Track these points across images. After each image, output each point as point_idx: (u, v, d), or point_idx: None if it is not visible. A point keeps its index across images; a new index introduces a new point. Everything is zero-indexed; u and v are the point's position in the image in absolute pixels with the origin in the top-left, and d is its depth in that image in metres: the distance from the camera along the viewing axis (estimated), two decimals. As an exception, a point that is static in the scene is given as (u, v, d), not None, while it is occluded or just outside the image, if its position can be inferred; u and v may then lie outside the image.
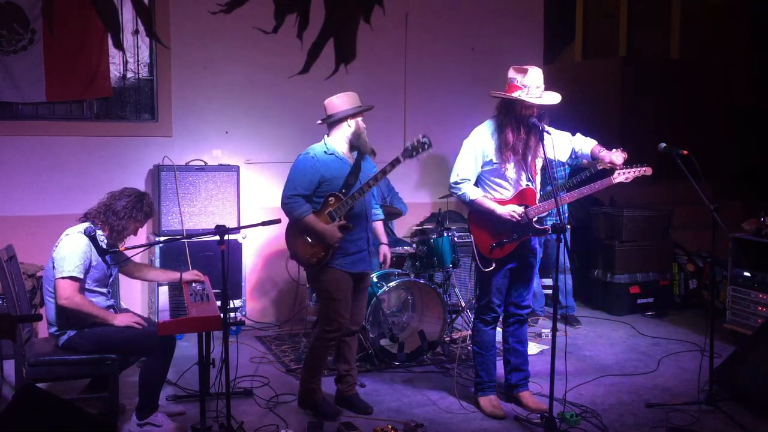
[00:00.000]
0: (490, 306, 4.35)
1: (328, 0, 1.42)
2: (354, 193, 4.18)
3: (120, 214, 3.97)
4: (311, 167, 4.19)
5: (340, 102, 4.32)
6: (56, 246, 3.91)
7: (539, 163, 4.26)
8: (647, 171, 4.19)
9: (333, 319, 4.23)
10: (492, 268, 4.24)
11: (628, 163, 4.20)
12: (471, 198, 4.19)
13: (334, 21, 1.41)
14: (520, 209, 4.13)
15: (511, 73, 4.14)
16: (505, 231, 4.18)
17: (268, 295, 6.41)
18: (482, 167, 4.22)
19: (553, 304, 3.99)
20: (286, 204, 4.16)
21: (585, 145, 4.31)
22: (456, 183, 4.22)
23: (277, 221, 4.02)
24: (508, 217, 4.12)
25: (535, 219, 4.20)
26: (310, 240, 4.18)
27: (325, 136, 4.35)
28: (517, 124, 4.10)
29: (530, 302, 4.51)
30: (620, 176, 4.16)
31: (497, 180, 4.22)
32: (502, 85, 4.21)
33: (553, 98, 4.11)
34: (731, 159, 8.88)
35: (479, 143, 4.19)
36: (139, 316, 4.11)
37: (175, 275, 4.34)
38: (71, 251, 3.83)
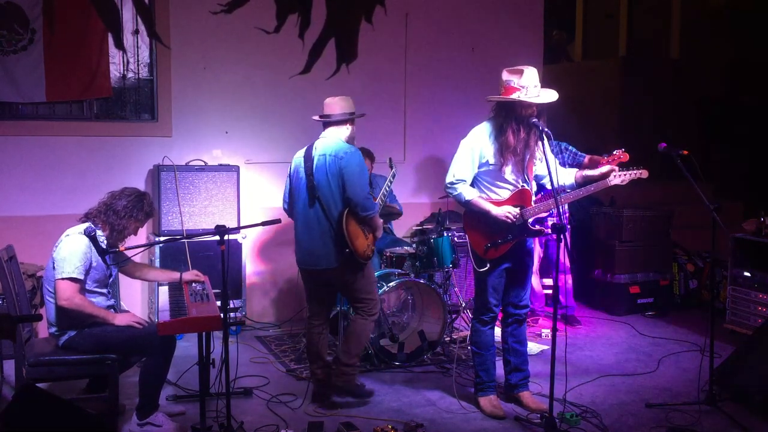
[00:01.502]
0: (487, 306, 4.35)
1: (330, 0, 1.42)
2: (380, 195, 4.79)
3: (120, 214, 3.96)
4: None
5: (347, 104, 4.43)
6: (56, 246, 3.90)
7: (537, 164, 4.27)
8: (643, 174, 4.19)
9: (377, 300, 4.53)
10: (486, 268, 4.25)
11: (625, 166, 4.21)
12: (467, 198, 4.19)
13: (335, 21, 1.41)
14: (516, 210, 4.14)
15: (506, 75, 4.13)
16: (500, 232, 4.18)
17: (268, 295, 6.41)
18: (479, 168, 4.22)
19: (553, 304, 4.00)
20: (369, 199, 4.31)
21: (567, 175, 4.30)
22: (452, 183, 4.22)
23: (278, 221, 4.04)
24: (504, 219, 4.12)
25: (531, 220, 4.21)
26: (366, 234, 4.38)
27: (338, 134, 4.39)
28: (518, 125, 4.10)
29: (528, 302, 4.50)
30: (616, 179, 4.17)
31: (494, 181, 4.22)
32: (499, 86, 4.20)
33: (551, 96, 4.12)
34: (731, 159, 8.88)
35: (477, 144, 4.19)
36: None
37: (175, 275, 4.34)
38: (71, 252, 3.83)
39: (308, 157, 4.36)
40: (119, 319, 3.96)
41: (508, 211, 4.13)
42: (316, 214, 4.32)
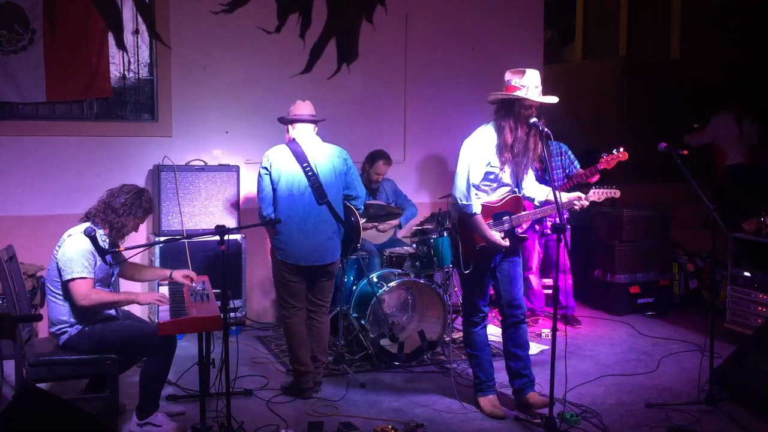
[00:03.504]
0: (476, 307, 4.35)
1: (331, 0, 1.42)
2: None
3: (119, 212, 3.96)
4: None
5: (312, 107, 4.77)
6: (59, 246, 3.90)
7: (530, 174, 4.27)
8: (616, 193, 4.39)
9: None
10: (470, 270, 4.24)
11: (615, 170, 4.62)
12: (474, 212, 4.15)
13: (336, 21, 1.41)
14: (506, 243, 4.15)
15: (508, 76, 4.14)
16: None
17: (268, 295, 6.40)
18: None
19: (553, 304, 4.00)
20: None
21: (540, 192, 4.31)
22: (467, 192, 4.13)
23: (277, 221, 4.07)
24: (495, 244, 4.14)
25: (526, 226, 4.25)
26: None
27: (314, 135, 4.65)
28: (516, 124, 4.09)
29: (522, 302, 4.43)
30: (593, 195, 4.32)
31: (491, 183, 4.22)
32: (501, 86, 4.20)
33: (551, 98, 4.12)
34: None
35: (486, 150, 4.15)
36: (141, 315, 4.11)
37: (165, 273, 4.33)
38: (77, 252, 3.82)
39: (303, 159, 4.47)
40: (143, 297, 4.06)
41: (501, 243, 4.14)
42: (324, 212, 4.51)
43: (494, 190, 4.23)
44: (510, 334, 4.39)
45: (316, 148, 4.56)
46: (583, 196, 4.24)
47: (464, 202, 4.16)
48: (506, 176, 4.20)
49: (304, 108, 4.63)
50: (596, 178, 5.33)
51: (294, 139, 4.59)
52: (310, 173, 4.44)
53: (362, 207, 4.83)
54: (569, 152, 5.94)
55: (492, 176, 4.20)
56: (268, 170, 4.48)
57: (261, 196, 4.52)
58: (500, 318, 4.49)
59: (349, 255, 4.93)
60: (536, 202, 4.32)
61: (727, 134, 8.25)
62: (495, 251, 4.22)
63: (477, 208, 4.16)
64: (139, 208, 4.03)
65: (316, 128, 4.67)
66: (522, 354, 4.40)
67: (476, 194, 4.18)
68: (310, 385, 4.58)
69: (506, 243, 4.16)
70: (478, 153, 4.16)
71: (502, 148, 4.12)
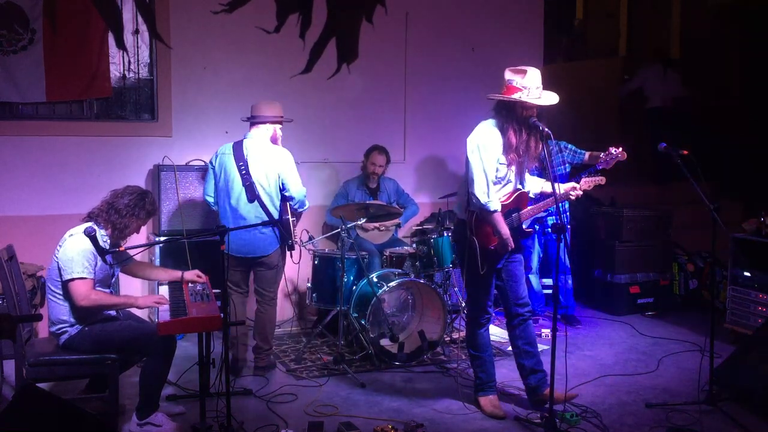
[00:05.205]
0: (483, 308, 4.35)
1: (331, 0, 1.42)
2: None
3: (122, 213, 3.96)
4: None
5: (272, 107, 5.01)
6: (60, 246, 3.90)
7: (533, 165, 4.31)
8: (601, 180, 4.49)
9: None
10: (485, 271, 4.23)
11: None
12: (494, 209, 4.13)
13: (336, 21, 1.41)
14: (510, 244, 4.14)
15: (509, 75, 4.12)
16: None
17: (268, 295, 6.40)
18: None
19: (553, 304, 3.99)
20: (305, 197, 5.09)
21: (535, 185, 4.39)
22: (488, 189, 4.10)
23: (277, 222, 4.07)
24: (505, 242, 4.12)
25: (529, 221, 4.24)
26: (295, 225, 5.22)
27: (264, 135, 4.90)
28: (519, 126, 4.09)
29: (528, 300, 4.45)
30: (584, 185, 4.42)
31: (498, 180, 4.21)
32: (501, 85, 4.20)
33: (552, 98, 4.11)
34: (731, 158, 8.88)
35: (495, 147, 4.13)
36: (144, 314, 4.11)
37: (176, 274, 4.34)
38: (78, 252, 3.82)
39: (240, 157, 4.79)
40: (141, 300, 4.06)
41: (510, 243, 4.13)
42: (254, 209, 4.77)
43: (502, 187, 4.22)
44: (520, 332, 4.39)
45: (258, 148, 4.81)
46: (577, 185, 4.33)
47: (486, 199, 4.11)
48: (512, 174, 4.21)
49: (252, 110, 4.92)
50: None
51: (242, 139, 4.90)
52: (243, 172, 4.77)
53: (301, 206, 4.98)
54: (569, 145, 5.94)
55: (500, 173, 4.18)
56: (212, 164, 4.95)
57: (205, 182, 5.10)
58: (505, 319, 4.50)
59: (287, 250, 5.03)
60: (531, 194, 4.35)
61: (652, 80, 8.94)
62: (505, 251, 4.21)
63: (498, 205, 4.15)
64: (142, 209, 4.03)
65: (270, 127, 4.90)
66: (534, 351, 4.41)
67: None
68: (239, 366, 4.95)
69: (512, 244, 4.16)
70: (490, 149, 4.12)
71: (507, 149, 4.12)
